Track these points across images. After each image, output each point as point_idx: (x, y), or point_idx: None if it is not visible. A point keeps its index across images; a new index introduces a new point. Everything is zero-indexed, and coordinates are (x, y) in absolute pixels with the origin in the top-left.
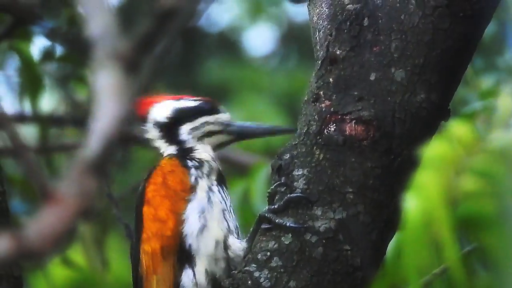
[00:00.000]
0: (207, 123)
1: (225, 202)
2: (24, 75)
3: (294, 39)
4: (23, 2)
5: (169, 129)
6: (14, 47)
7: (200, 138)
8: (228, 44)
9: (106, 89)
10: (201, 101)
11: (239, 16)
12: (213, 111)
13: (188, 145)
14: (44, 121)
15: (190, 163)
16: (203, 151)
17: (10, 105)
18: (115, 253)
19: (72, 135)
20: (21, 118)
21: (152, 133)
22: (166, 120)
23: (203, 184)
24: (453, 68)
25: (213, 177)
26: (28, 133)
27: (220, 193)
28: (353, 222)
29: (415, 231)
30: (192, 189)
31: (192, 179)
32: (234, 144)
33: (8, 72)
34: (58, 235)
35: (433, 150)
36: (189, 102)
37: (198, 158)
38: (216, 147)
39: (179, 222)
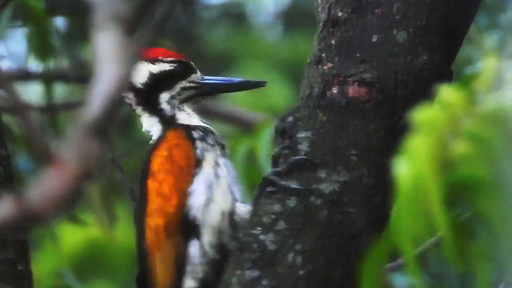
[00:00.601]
0: (184, 88)
1: (233, 177)
2: (32, 29)
3: (297, 7)
4: None
5: (146, 95)
6: (22, 2)
7: (180, 104)
8: (231, 14)
9: (107, 51)
10: (175, 63)
11: None
12: (188, 71)
13: (170, 114)
14: (49, 79)
15: (195, 134)
16: (191, 117)
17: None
18: (122, 215)
19: (77, 92)
20: (25, 76)
21: (130, 97)
22: (142, 86)
23: (209, 157)
24: (456, 29)
25: (218, 147)
26: (34, 91)
27: (226, 166)
28: (357, 185)
29: (407, 197)
30: (198, 163)
31: (198, 152)
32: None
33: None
34: (60, 197)
35: (425, 114)
36: (164, 66)
37: (202, 127)
38: (191, 105)
39: (184, 198)
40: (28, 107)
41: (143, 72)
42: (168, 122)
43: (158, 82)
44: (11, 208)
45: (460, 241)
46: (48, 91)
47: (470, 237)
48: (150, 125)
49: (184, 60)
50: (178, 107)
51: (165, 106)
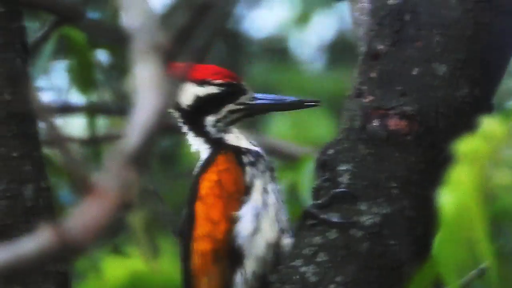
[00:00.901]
0: (231, 111)
1: (281, 206)
2: (74, 61)
3: (339, 44)
4: (67, 1)
5: (193, 116)
6: (64, 35)
7: (226, 126)
8: (274, 49)
9: (146, 81)
10: (224, 86)
11: (286, 22)
12: (237, 94)
13: (216, 137)
14: (91, 111)
15: (245, 159)
16: (240, 140)
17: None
18: (164, 248)
19: (119, 124)
20: (68, 109)
21: (176, 116)
22: (188, 108)
23: (258, 184)
24: (496, 62)
25: (268, 174)
26: (76, 123)
27: (274, 193)
28: (398, 217)
29: (451, 227)
30: (247, 190)
31: (247, 178)
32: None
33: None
34: (99, 227)
35: (468, 145)
36: (212, 89)
37: (252, 151)
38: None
39: (232, 224)
40: (69, 140)
41: (189, 94)
42: (216, 143)
43: (204, 105)
44: (51, 238)
45: (505, 271)
46: (90, 124)
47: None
48: (197, 145)
49: (234, 82)
50: (224, 130)
51: (210, 129)
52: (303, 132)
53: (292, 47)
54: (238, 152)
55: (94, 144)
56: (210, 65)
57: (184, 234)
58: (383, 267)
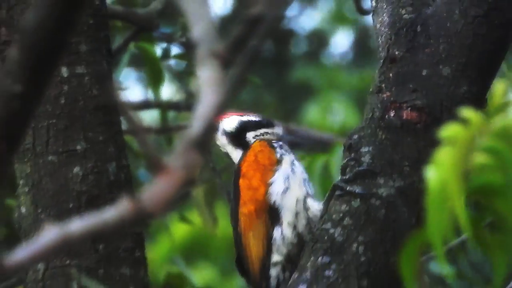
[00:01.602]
0: (266, 133)
1: (305, 177)
2: (148, 69)
3: (365, 42)
4: (143, 14)
5: (236, 137)
6: (140, 48)
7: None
8: (313, 47)
9: (207, 82)
10: (261, 117)
11: (323, 21)
12: (270, 125)
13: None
14: (163, 107)
15: (275, 144)
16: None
17: (138, 95)
18: (221, 213)
19: (186, 117)
20: (146, 104)
21: (222, 140)
22: (233, 130)
23: (287, 158)
24: (490, 65)
25: (293, 155)
26: (152, 116)
27: (300, 166)
28: (409, 190)
29: (435, 200)
30: (278, 162)
31: (278, 155)
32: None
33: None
34: (168, 199)
35: (450, 131)
36: (251, 117)
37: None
38: None
39: (268, 187)
40: (145, 129)
41: (233, 121)
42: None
43: (245, 127)
44: (129, 207)
45: (482, 236)
46: (163, 116)
47: (490, 233)
48: (237, 156)
49: (267, 117)
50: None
51: (250, 139)
52: (331, 120)
53: (327, 44)
54: (268, 141)
55: (166, 132)
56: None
57: (232, 204)
58: (396, 230)
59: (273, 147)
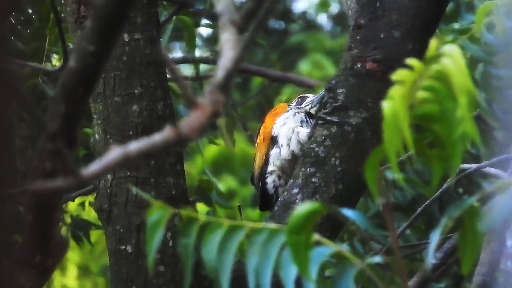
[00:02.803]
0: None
1: (306, 120)
2: (186, 35)
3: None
4: None
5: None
6: (180, 19)
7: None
8: (308, 20)
9: (227, 43)
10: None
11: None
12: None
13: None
14: (197, 61)
15: (291, 105)
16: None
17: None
18: (239, 138)
19: (213, 70)
20: (184, 60)
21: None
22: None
23: (293, 110)
24: (428, 29)
25: (303, 114)
26: (188, 69)
27: (301, 117)
28: (372, 119)
29: (389, 124)
30: (286, 111)
31: (288, 109)
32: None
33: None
34: (200, 127)
35: (400, 74)
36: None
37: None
38: None
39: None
40: (183, 78)
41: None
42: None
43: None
44: (172, 133)
45: (423, 151)
46: (197, 68)
47: (430, 148)
48: None
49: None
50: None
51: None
52: (320, 72)
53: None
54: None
55: (198, 80)
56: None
57: (256, 136)
58: (363, 148)
59: (289, 106)
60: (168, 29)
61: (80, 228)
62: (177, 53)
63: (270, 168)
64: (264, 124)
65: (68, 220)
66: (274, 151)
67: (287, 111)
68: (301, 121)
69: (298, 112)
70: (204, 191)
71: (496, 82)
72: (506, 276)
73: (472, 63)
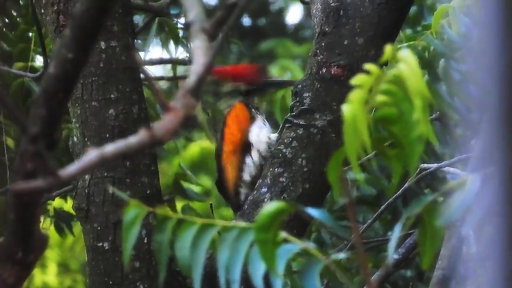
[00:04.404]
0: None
1: (268, 126)
2: (168, 35)
3: (308, 22)
4: (157, 5)
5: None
6: (163, 20)
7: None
8: (277, 24)
9: (198, 49)
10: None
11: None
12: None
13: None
14: (174, 62)
15: (250, 106)
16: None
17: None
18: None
19: (188, 71)
20: (161, 61)
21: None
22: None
23: (259, 117)
24: (390, 36)
25: (262, 116)
26: (165, 69)
27: (267, 125)
28: (336, 121)
29: (349, 126)
30: (252, 118)
31: (252, 114)
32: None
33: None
34: (173, 130)
35: (360, 79)
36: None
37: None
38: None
39: (244, 135)
40: (160, 78)
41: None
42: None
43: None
44: (146, 135)
45: (384, 151)
46: (174, 70)
47: (390, 149)
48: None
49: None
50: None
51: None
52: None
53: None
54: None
55: (175, 80)
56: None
57: (219, 143)
58: (328, 149)
59: (249, 107)
60: (152, 31)
61: (63, 220)
62: (155, 54)
63: (246, 177)
64: (229, 130)
65: (52, 212)
66: (249, 161)
67: (252, 116)
68: (269, 130)
69: (264, 120)
70: (180, 185)
71: (457, 76)
72: (465, 261)
73: (435, 57)
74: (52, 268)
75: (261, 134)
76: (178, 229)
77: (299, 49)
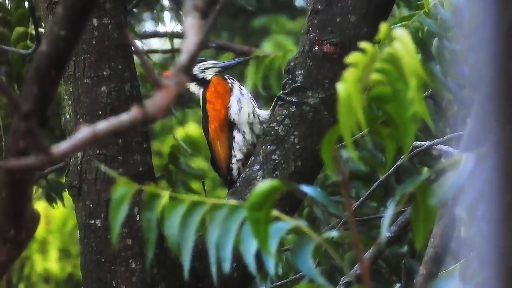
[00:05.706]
0: (203, 65)
1: (250, 96)
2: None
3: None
4: None
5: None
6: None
7: (203, 72)
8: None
9: (191, 28)
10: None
11: None
12: (205, 60)
13: (200, 77)
14: (170, 36)
15: (226, 77)
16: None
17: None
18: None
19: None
20: (155, 34)
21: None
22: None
23: (236, 86)
24: (382, 14)
25: (239, 83)
26: (159, 42)
27: (245, 90)
28: (328, 99)
29: (344, 105)
30: (231, 90)
31: (230, 85)
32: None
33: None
34: (165, 107)
35: (354, 57)
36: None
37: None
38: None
39: (227, 110)
40: (154, 51)
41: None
42: (203, 81)
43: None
44: (138, 113)
45: (378, 130)
46: (171, 42)
47: (383, 127)
48: (194, 88)
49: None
50: (204, 73)
51: (198, 75)
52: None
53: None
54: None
55: (169, 53)
56: None
57: (203, 121)
58: (320, 127)
59: (225, 79)
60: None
61: (54, 191)
62: (148, 27)
63: (238, 155)
64: (211, 106)
65: (43, 183)
66: (238, 138)
67: (230, 89)
68: (250, 98)
69: (240, 87)
70: (175, 157)
71: (450, 55)
72: (457, 243)
73: (428, 37)
74: (53, 254)
75: (242, 109)
76: (167, 207)
77: (293, 25)
